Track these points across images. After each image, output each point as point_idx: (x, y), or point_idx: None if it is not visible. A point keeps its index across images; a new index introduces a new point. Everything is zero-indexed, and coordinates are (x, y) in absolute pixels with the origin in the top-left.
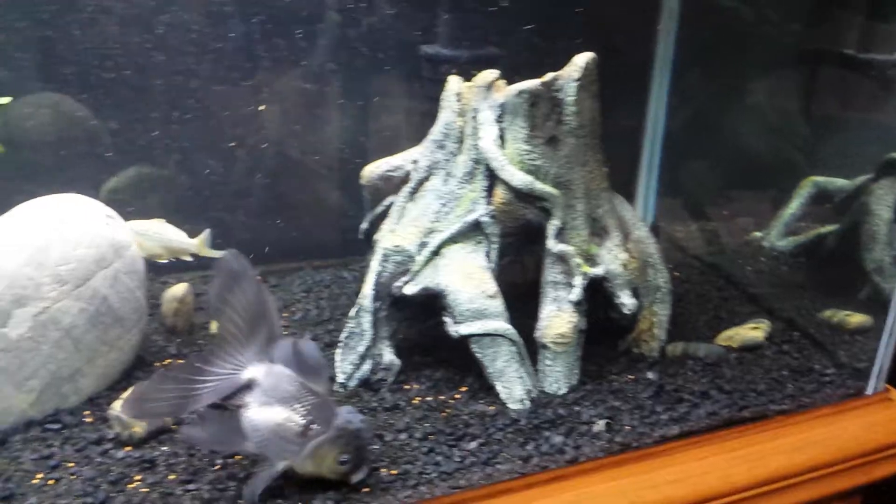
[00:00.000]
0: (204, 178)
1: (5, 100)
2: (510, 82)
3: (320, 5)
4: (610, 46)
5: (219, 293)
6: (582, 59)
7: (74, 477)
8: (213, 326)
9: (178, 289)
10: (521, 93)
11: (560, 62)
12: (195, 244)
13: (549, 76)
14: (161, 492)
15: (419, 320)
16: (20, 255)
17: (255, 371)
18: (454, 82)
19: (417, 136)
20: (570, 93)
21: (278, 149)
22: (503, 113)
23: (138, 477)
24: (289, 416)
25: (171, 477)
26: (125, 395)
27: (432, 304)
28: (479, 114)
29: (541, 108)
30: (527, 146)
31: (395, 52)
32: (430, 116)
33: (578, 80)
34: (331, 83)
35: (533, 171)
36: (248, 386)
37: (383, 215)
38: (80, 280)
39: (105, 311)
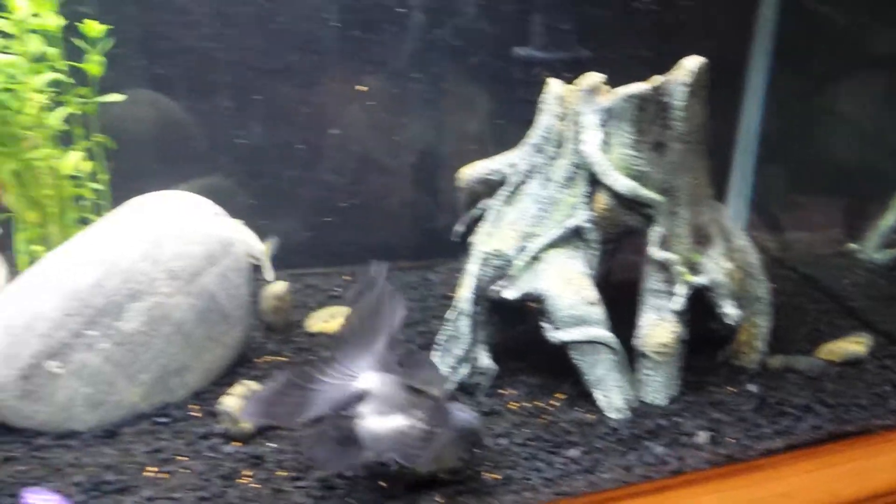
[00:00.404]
0: (290, 178)
1: (119, 97)
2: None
3: (413, 7)
4: (703, 51)
5: (353, 301)
6: (693, 63)
7: (186, 471)
8: (309, 323)
9: (278, 287)
10: (629, 97)
11: (652, 66)
12: (262, 250)
13: (657, 80)
14: (272, 487)
15: (511, 325)
16: (136, 250)
17: (368, 380)
18: (555, 85)
19: (509, 139)
20: (679, 97)
21: (367, 150)
22: (608, 117)
23: (248, 472)
24: (410, 423)
25: (281, 473)
26: (233, 390)
27: (524, 309)
28: (583, 117)
29: (648, 113)
30: (632, 151)
31: (487, 53)
32: (521, 119)
33: (689, 84)
34: (422, 85)
35: (637, 177)
36: (361, 396)
37: (479, 218)
38: (191, 276)
39: (213, 308)
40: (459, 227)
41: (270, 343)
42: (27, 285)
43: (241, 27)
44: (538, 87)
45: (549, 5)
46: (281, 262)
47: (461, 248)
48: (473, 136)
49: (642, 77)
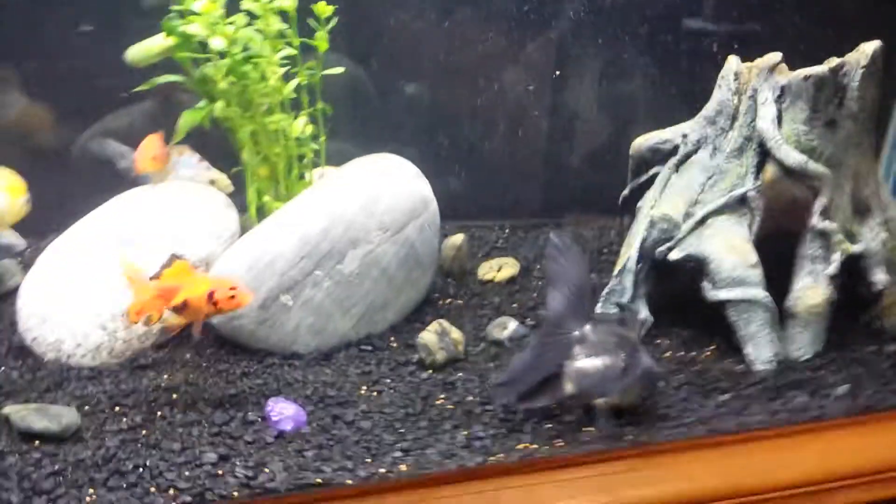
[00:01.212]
0: (465, 140)
1: (339, 70)
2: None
3: None
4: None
5: (552, 267)
6: (870, 48)
7: (391, 391)
8: (481, 272)
9: (457, 238)
10: (807, 77)
11: (820, 44)
12: None
13: (835, 62)
14: (464, 409)
15: (667, 283)
16: (356, 203)
17: (584, 329)
18: (733, 62)
19: (678, 109)
20: (856, 79)
21: (534, 117)
22: (784, 95)
23: (442, 395)
24: (613, 362)
25: (469, 398)
26: (430, 328)
27: (681, 269)
28: (760, 94)
29: (824, 93)
30: (805, 127)
31: (658, 25)
32: (689, 90)
33: (865, 66)
34: (589, 54)
35: (808, 151)
36: (578, 342)
37: (646, 185)
38: (398, 228)
39: (411, 255)
40: (625, 192)
41: (450, 288)
42: (268, 230)
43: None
44: (708, 58)
45: None
46: (451, 214)
47: (624, 210)
48: (641, 105)
49: (811, 53)
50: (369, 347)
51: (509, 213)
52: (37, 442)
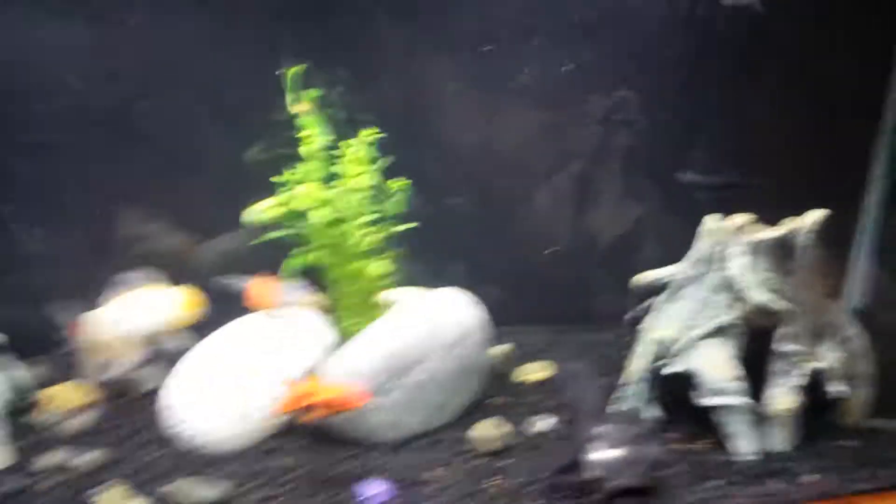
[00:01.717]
0: (506, 257)
1: (411, 225)
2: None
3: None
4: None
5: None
6: (815, 215)
7: (455, 473)
8: (522, 374)
9: (504, 347)
10: (766, 238)
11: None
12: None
13: (788, 225)
14: (512, 489)
15: (674, 387)
16: (424, 329)
17: (602, 428)
18: (709, 221)
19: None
20: (804, 241)
21: (558, 236)
22: (751, 249)
23: (495, 478)
24: (624, 453)
25: (518, 480)
26: (479, 425)
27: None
28: (730, 248)
29: (782, 249)
30: (770, 273)
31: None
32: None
33: (810, 230)
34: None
35: (774, 292)
36: (597, 438)
37: (645, 311)
38: (453, 346)
39: (465, 366)
40: (627, 316)
41: (497, 388)
42: (358, 348)
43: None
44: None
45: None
46: (496, 319)
47: (629, 330)
48: (649, 236)
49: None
50: (434, 439)
51: (546, 319)
52: None
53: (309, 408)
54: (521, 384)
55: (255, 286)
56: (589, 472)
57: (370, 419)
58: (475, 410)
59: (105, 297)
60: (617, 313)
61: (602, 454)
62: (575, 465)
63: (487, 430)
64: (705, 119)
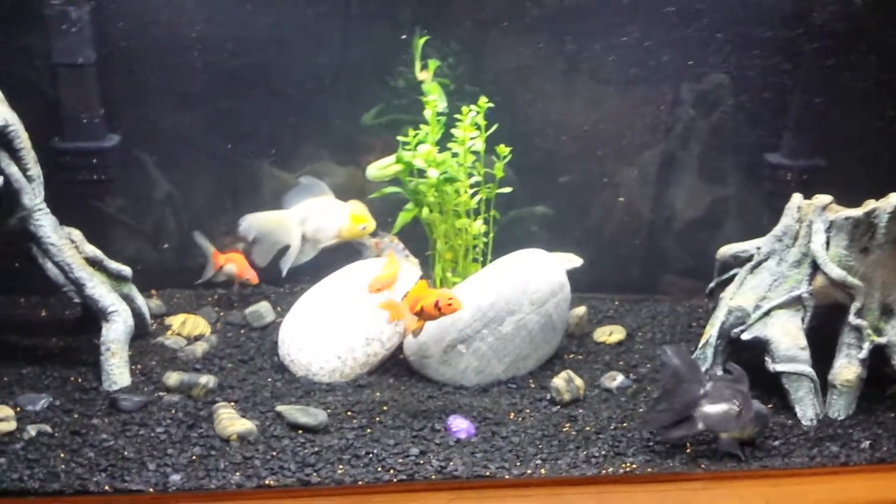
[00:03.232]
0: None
1: (508, 189)
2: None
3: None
4: None
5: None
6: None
7: (531, 418)
8: (596, 335)
9: (580, 309)
10: (847, 218)
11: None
12: None
13: (870, 206)
14: (583, 436)
15: (740, 355)
16: (514, 285)
17: (707, 386)
18: (797, 199)
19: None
20: (883, 221)
21: (658, 203)
22: (831, 227)
23: (567, 425)
24: (731, 407)
25: (587, 428)
26: (559, 376)
27: (749, 345)
28: (814, 224)
29: (859, 229)
30: (845, 251)
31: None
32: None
33: (891, 212)
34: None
35: (847, 269)
36: (704, 395)
37: (726, 282)
38: (541, 303)
39: (549, 323)
40: (711, 285)
41: (573, 346)
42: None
43: None
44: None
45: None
46: (574, 287)
47: (710, 298)
48: (732, 214)
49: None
50: (514, 386)
51: (620, 287)
52: (300, 431)
53: (421, 312)
54: (598, 344)
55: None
56: (702, 425)
57: (459, 363)
58: (554, 364)
59: (288, 200)
60: (693, 288)
61: (713, 408)
62: (683, 421)
63: (564, 382)
64: (794, 102)
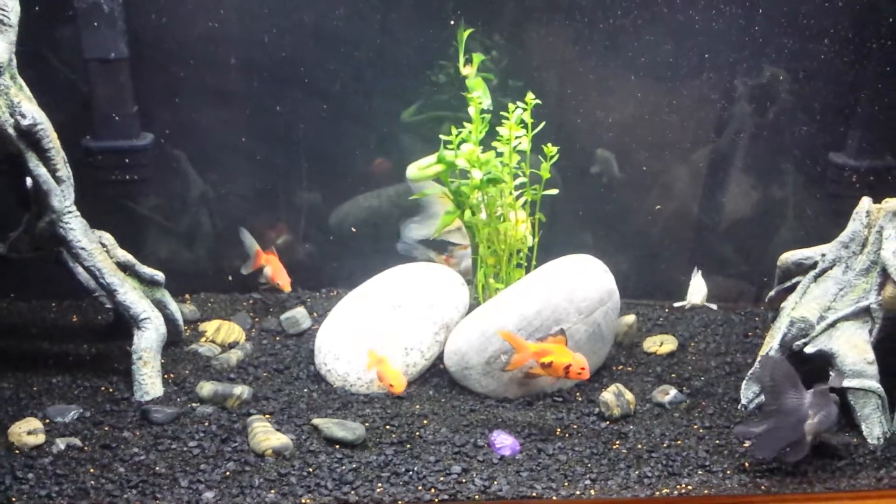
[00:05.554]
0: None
1: (554, 191)
2: None
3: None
4: None
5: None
6: None
7: (579, 434)
8: (646, 345)
9: (630, 318)
10: None
11: None
12: None
13: None
14: (635, 455)
15: (799, 368)
16: (561, 293)
17: (809, 398)
18: (865, 202)
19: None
20: None
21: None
22: None
23: (618, 442)
24: (830, 410)
25: (640, 446)
26: (608, 389)
27: (809, 359)
28: (885, 230)
29: None
30: None
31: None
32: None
33: None
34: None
35: None
36: (810, 406)
37: (788, 290)
38: (589, 312)
39: (597, 332)
40: (771, 294)
41: (622, 357)
42: (494, 307)
43: None
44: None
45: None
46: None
47: (770, 307)
48: (790, 218)
49: None
50: (561, 399)
51: (670, 294)
52: (337, 446)
53: (548, 365)
54: (648, 354)
55: None
56: (811, 438)
57: (502, 375)
58: (602, 375)
59: None
60: (750, 295)
61: (818, 417)
62: (797, 443)
63: (614, 396)
64: (861, 102)
